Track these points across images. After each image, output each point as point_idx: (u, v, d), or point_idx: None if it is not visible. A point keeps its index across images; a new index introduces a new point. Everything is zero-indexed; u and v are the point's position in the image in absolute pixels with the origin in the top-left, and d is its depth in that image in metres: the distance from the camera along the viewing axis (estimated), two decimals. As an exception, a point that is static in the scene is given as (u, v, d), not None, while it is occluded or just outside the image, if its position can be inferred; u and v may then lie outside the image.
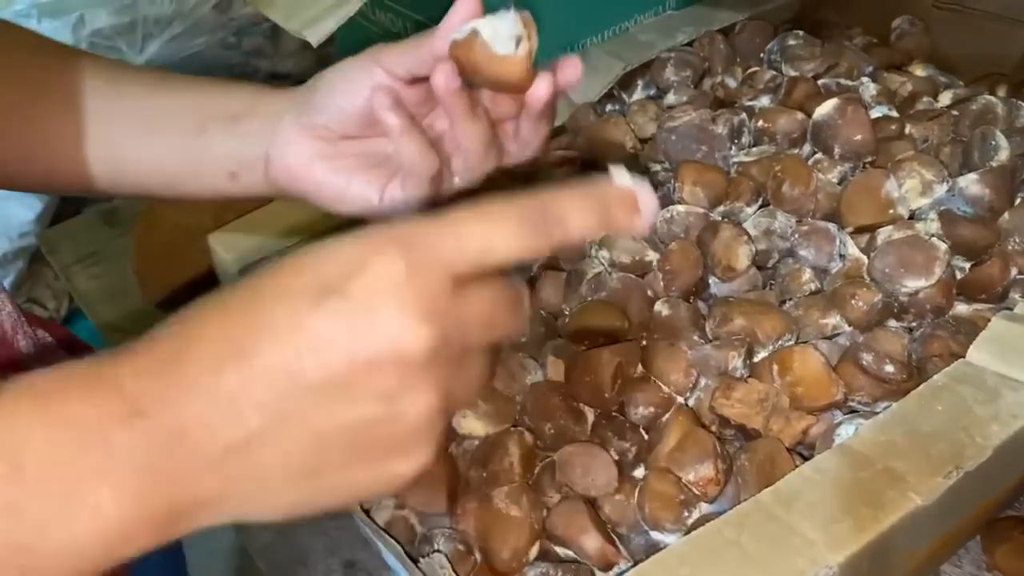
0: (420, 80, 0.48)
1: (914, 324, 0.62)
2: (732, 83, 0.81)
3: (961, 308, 0.63)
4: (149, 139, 0.53)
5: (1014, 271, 0.62)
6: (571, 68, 0.48)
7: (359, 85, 0.49)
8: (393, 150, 0.50)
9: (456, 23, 0.44)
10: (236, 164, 0.53)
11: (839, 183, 0.68)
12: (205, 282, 0.74)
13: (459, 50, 0.44)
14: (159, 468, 0.29)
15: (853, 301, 0.61)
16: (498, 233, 0.32)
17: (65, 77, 0.53)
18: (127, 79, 0.55)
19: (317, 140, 0.51)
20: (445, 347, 0.31)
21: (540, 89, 0.46)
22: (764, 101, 0.76)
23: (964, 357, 0.54)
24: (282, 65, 1.29)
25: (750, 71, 0.80)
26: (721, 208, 0.68)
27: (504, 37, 0.43)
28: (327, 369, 0.30)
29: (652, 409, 0.60)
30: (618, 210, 0.35)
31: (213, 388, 0.29)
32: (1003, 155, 0.66)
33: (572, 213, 0.34)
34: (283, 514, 0.33)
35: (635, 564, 0.48)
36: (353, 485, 0.33)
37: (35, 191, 0.59)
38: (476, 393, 0.35)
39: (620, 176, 0.36)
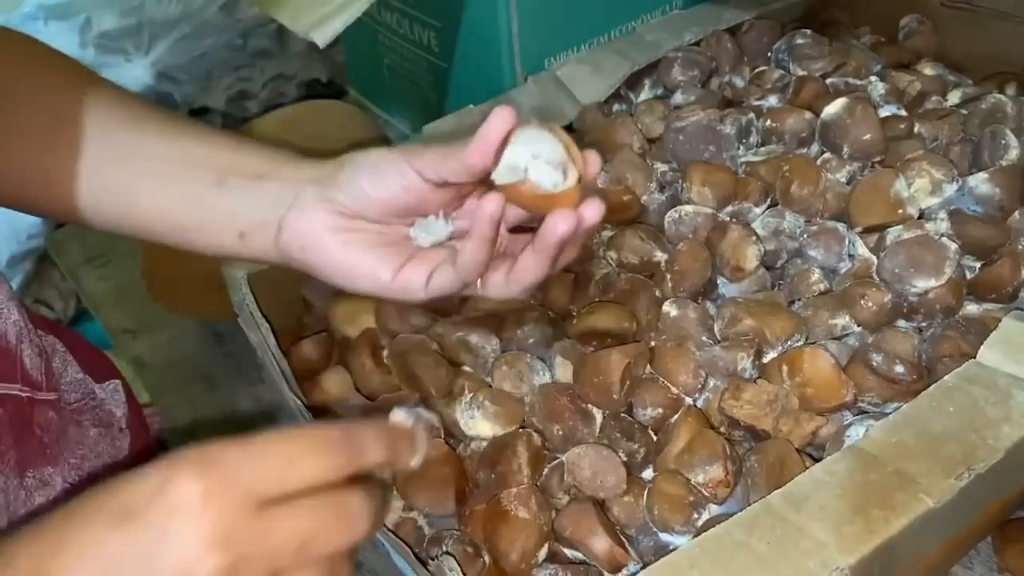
0: (447, 184, 0.47)
1: (924, 324, 0.62)
2: (740, 82, 0.80)
3: (971, 308, 0.62)
4: (164, 186, 0.52)
5: (1024, 271, 0.61)
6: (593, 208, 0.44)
7: (387, 178, 0.48)
8: (460, 247, 0.46)
9: (492, 138, 0.42)
10: (248, 224, 0.51)
11: (848, 183, 0.67)
12: (213, 284, 0.74)
13: (506, 189, 0.43)
14: None
15: (862, 301, 0.61)
16: (300, 455, 0.33)
17: (91, 109, 0.53)
18: (150, 120, 0.54)
19: (335, 214, 0.49)
20: (244, 569, 0.32)
21: (585, 212, 0.43)
22: (772, 100, 0.76)
23: (974, 357, 0.54)
24: (288, 67, 1.29)
25: (758, 70, 0.80)
26: (729, 208, 0.68)
27: (550, 171, 0.42)
28: None
29: (660, 410, 0.59)
30: (403, 447, 0.38)
31: None
32: (1013, 154, 0.66)
33: (369, 444, 0.36)
34: None
35: (644, 566, 0.48)
36: None
37: (29, 213, 0.58)
38: None
39: (399, 416, 0.40)
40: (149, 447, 0.68)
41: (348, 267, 0.48)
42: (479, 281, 0.47)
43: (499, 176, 0.43)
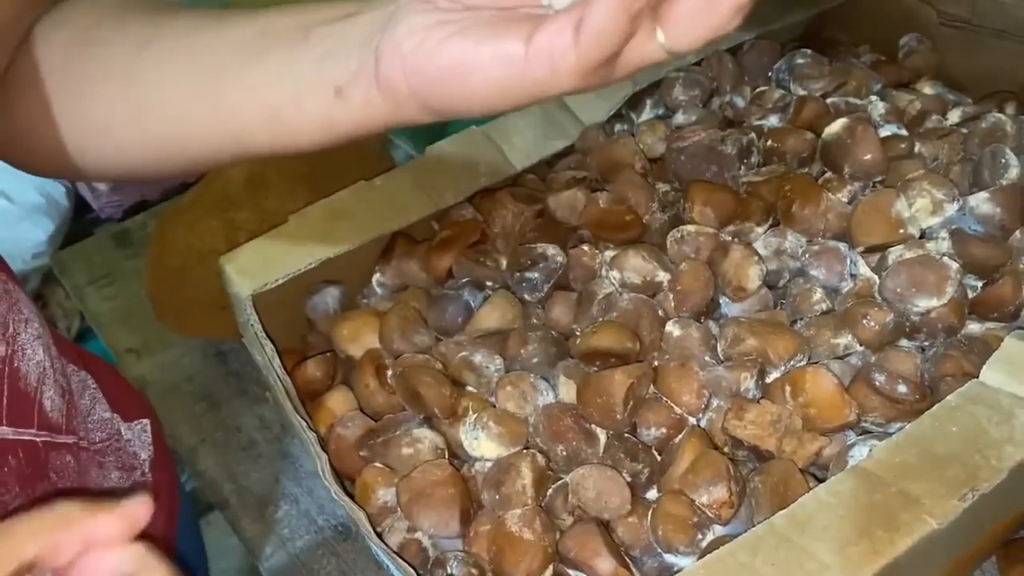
0: None
1: (926, 343, 0.62)
2: (741, 102, 0.81)
3: (973, 327, 0.63)
4: (250, 63, 0.45)
5: (1026, 290, 0.62)
6: None
7: None
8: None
9: None
10: (343, 73, 0.41)
11: (849, 202, 0.68)
12: (217, 305, 0.74)
13: None
14: None
15: (864, 321, 0.61)
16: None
17: (172, 23, 0.48)
18: (230, 14, 0.48)
19: (436, 11, 0.38)
20: None
21: None
22: (773, 120, 0.77)
23: (977, 377, 0.54)
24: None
25: (758, 90, 0.81)
26: (731, 228, 0.68)
27: None
28: None
29: (664, 430, 0.60)
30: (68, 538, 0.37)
31: None
32: (1013, 173, 0.66)
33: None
34: None
35: (649, 588, 0.48)
36: None
37: (128, 162, 0.53)
38: None
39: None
40: (173, 491, 0.68)
41: (467, 60, 0.35)
42: (659, 31, 0.34)
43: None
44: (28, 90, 0.50)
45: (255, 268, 0.71)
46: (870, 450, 0.53)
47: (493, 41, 0.34)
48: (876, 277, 0.63)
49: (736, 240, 0.66)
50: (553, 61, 0.33)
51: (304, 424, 0.63)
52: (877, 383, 0.58)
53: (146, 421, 0.67)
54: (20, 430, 0.52)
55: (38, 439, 0.54)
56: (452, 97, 0.36)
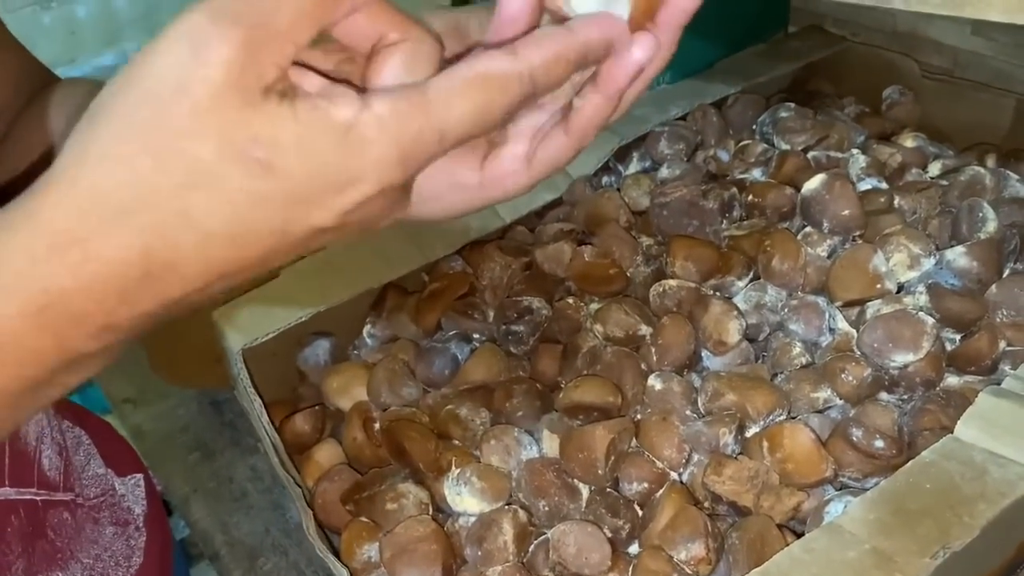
0: None
1: (905, 397, 0.63)
2: (724, 156, 0.82)
3: (952, 380, 0.63)
4: None
5: (1002, 344, 0.62)
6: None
7: None
8: (577, 106, 0.34)
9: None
10: None
11: (828, 257, 0.69)
12: (211, 356, 0.76)
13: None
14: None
15: (843, 375, 0.62)
16: None
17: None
18: None
19: None
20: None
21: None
22: (756, 174, 0.78)
23: (953, 431, 0.55)
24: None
25: (742, 144, 0.82)
26: (712, 281, 0.69)
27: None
28: None
29: (646, 484, 0.60)
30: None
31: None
32: (991, 227, 0.67)
33: None
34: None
35: (625, 646, 0.49)
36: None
37: None
38: None
39: None
40: (166, 545, 0.69)
41: (427, 188, 0.35)
42: None
43: (576, 5, 0.34)
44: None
45: (247, 322, 0.72)
46: (845, 506, 0.54)
47: (449, 172, 0.35)
48: (854, 331, 0.64)
49: (717, 294, 0.68)
50: (505, 187, 0.35)
51: (291, 479, 0.64)
52: (854, 438, 0.58)
53: (139, 476, 0.68)
54: (21, 490, 0.53)
55: (37, 498, 0.55)
56: (418, 215, 0.37)
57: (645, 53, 0.33)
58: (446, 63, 0.31)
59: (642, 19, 0.33)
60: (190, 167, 0.26)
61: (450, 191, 0.35)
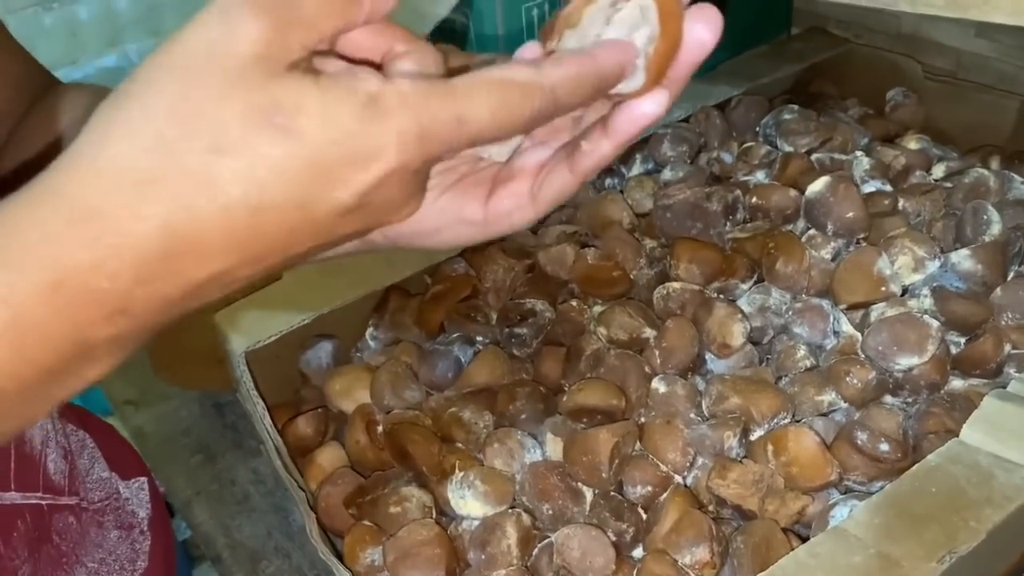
0: None
1: (910, 400, 0.63)
2: (728, 158, 0.82)
3: (956, 383, 0.63)
4: None
5: (1008, 347, 0.62)
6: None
7: None
8: (587, 148, 0.35)
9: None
10: None
11: (833, 259, 0.69)
12: (213, 358, 0.76)
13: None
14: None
15: (848, 378, 0.62)
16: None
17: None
18: None
19: None
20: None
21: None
22: (759, 176, 0.78)
23: (959, 434, 0.55)
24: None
25: (745, 146, 0.82)
26: (716, 284, 0.69)
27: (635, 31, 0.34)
28: None
29: (650, 488, 0.60)
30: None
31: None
32: (995, 229, 0.67)
33: None
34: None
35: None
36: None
37: None
38: None
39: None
40: (169, 549, 0.69)
41: (435, 223, 0.37)
42: None
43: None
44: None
45: (250, 324, 0.72)
46: (851, 510, 0.53)
47: (454, 208, 0.36)
48: (859, 334, 0.64)
49: (721, 297, 0.67)
50: (511, 220, 0.36)
51: (294, 483, 0.64)
52: (859, 442, 0.58)
53: (143, 479, 0.68)
54: (27, 494, 0.53)
55: (43, 502, 0.55)
56: (422, 244, 0.38)
57: (657, 108, 0.34)
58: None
59: (654, 83, 0.34)
60: (216, 132, 0.27)
61: (457, 224, 0.36)
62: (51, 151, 0.27)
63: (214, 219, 0.27)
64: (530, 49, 0.35)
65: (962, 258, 0.66)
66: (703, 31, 0.33)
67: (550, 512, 0.59)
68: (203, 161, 0.27)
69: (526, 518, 0.59)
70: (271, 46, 0.27)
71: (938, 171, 0.78)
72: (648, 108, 0.34)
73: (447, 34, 0.87)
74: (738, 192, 0.74)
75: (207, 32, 0.27)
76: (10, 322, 0.27)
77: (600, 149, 0.34)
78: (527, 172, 0.36)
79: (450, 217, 0.36)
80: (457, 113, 0.29)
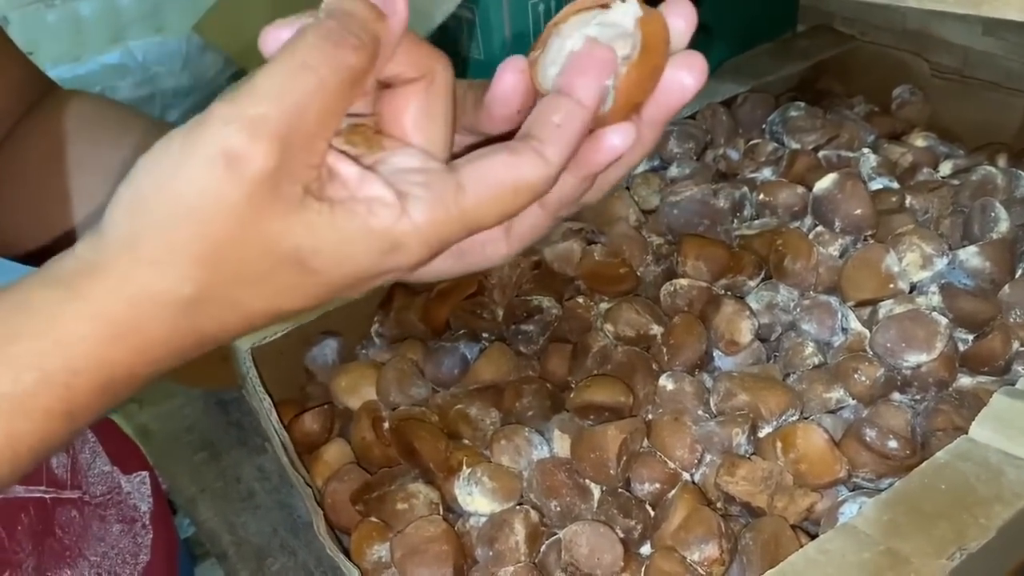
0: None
1: (918, 397, 0.62)
2: (734, 155, 0.82)
3: (965, 381, 0.63)
4: None
5: (1016, 344, 0.62)
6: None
7: None
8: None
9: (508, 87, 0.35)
10: None
11: (840, 256, 0.68)
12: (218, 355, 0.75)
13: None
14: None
15: (856, 375, 0.62)
16: (333, 96, 0.30)
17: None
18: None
19: None
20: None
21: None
22: (766, 173, 0.78)
23: (968, 431, 0.54)
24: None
25: (752, 143, 0.82)
26: (724, 281, 0.69)
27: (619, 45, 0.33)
28: None
29: (658, 485, 0.60)
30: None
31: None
32: (1003, 227, 0.67)
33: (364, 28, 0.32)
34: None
35: (639, 647, 0.48)
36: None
37: None
38: None
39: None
40: (171, 543, 0.69)
41: None
42: None
43: (546, 82, 0.34)
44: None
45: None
46: (860, 507, 0.53)
47: None
48: (867, 331, 0.64)
49: (728, 294, 0.67)
50: (486, 253, 0.37)
51: (301, 479, 0.64)
52: (868, 439, 0.58)
53: (145, 473, 0.68)
54: (31, 487, 0.53)
55: (47, 496, 0.55)
56: (400, 277, 0.38)
57: (623, 141, 0.33)
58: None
59: (624, 110, 0.33)
60: (239, 270, 0.30)
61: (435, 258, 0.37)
62: (49, 157, 0.29)
63: (237, 323, 0.32)
64: (513, 64, 0.35)
65: (970, 255, 0.65)
66: (687, 77, 0.33)
67: (558, 509, 0.59)
68: (229, 291, 0.30)
69: (534, 515, 0.59)
70: (280, 181, 0.28)
71: (945, 168, 0.78)
72: (616, 141, 0.33)
73: (452, 31, 0.86)
74: (745, 189, 0.74)
75: (212, 173, 0.28)
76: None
77: (566, 182, 0.34)
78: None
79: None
80: (468, 230, 0.31)
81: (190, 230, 0.29)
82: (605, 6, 0.33)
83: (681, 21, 0.33)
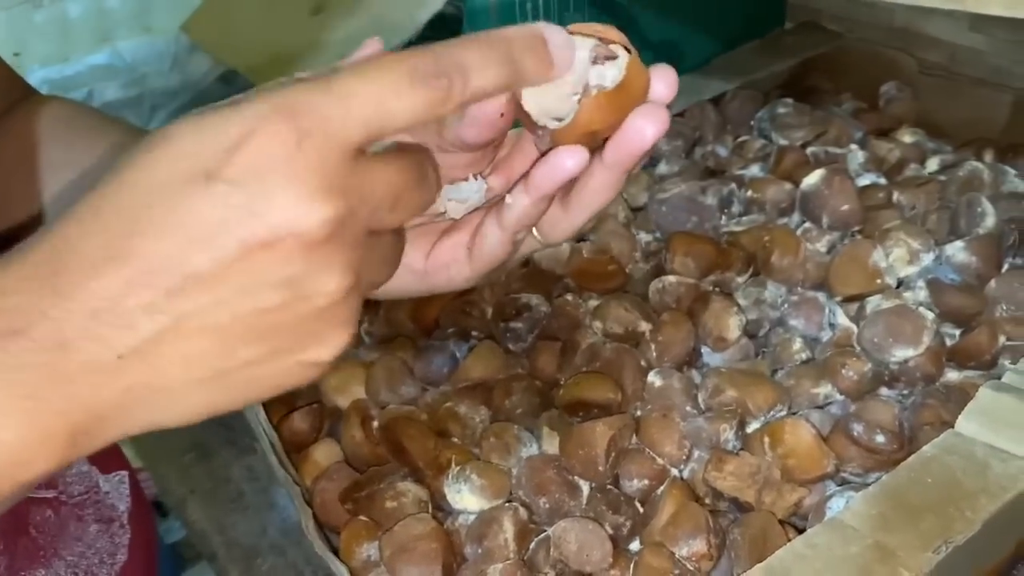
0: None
1: (905, 392, 0.63)
2: (723, 152, 0.82)
3: (952, 375, 0.63)
4: None
5: (1002, 338, 0.62)
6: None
7: None
8: (509, 201, 0.36)
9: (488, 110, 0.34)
10: None
11: (828, 252, 0.69)
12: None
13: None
14: (46, 387, 0.27)
15: (844, 371, 0.62)
16: (390, 94, 0.28)
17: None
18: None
19: None
20: (349, 223, 0.28)
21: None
22: (754, 170, 0.78)
23: (954, 425, 0.55)
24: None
25: (740, 140, 0.82)
26: (712, 277, 0.69)
27: (605, 72, 0.33)
28: (218, 260, 0.27)
29: (647, 481, 0.60)
30: (527, 57, 0.31)
31: (93, 296, 0.27)
32: (989, 222, 0.67)
33: (472, 62, 0.30)
34: (194, 417, 0.30)
35: (628, 643, 0.48)
36: (266, 378, 0.30)
37: None
38: (388, 274, 0.32)
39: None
40: (151, 543, 0.69)
41: None
42: (534, 230, 0.38)
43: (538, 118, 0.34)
44: None
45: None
46: (847, 501, 0.53)
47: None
48: (855, 327, 0.64)
49: (716, 291, 0.67)
50: (449, 274, 0.37)
51: (290, 478, 0.63)
52: (855, 433, 0.58)
53: (124, 473, 0.68)
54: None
55: None
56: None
57: (575, 163, 0.33)
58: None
59: (580, 133, 0.33)
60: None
61: (401, 273, 0.36)
62: (23, 160, 0.27)
63: None
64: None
65: (957, 250, 0.66)
66: (646, 125, 0.33)
67: (547, 506, 0.59)
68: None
69: (523, 512, 0.59)
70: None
71: (932, 164, 0.78)
72: (568, 163, 0.33)
73: (439, 27, 0.86)
74: (733, 186, 0.74)
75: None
76: None
77: (519, 201, 0.34)
78: (469, 225, 0.37)
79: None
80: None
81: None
82: (604, 39, 0.33)
83: (663, 86, 0.33)
